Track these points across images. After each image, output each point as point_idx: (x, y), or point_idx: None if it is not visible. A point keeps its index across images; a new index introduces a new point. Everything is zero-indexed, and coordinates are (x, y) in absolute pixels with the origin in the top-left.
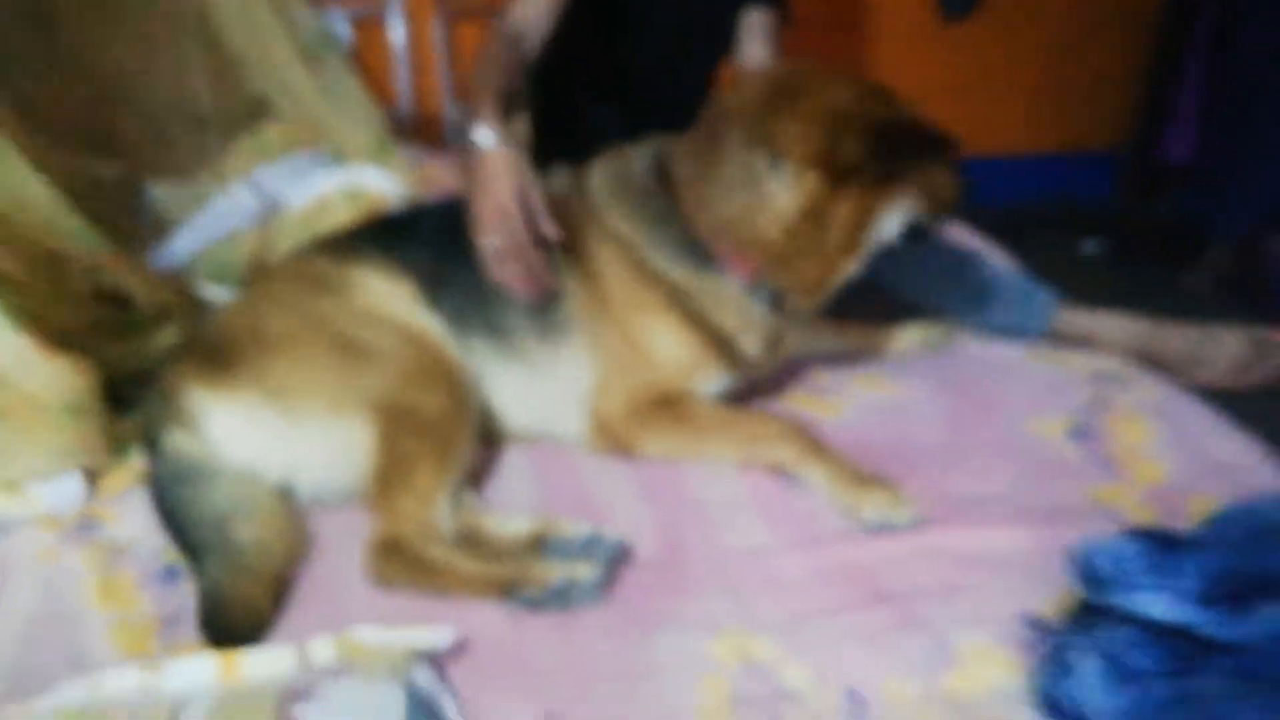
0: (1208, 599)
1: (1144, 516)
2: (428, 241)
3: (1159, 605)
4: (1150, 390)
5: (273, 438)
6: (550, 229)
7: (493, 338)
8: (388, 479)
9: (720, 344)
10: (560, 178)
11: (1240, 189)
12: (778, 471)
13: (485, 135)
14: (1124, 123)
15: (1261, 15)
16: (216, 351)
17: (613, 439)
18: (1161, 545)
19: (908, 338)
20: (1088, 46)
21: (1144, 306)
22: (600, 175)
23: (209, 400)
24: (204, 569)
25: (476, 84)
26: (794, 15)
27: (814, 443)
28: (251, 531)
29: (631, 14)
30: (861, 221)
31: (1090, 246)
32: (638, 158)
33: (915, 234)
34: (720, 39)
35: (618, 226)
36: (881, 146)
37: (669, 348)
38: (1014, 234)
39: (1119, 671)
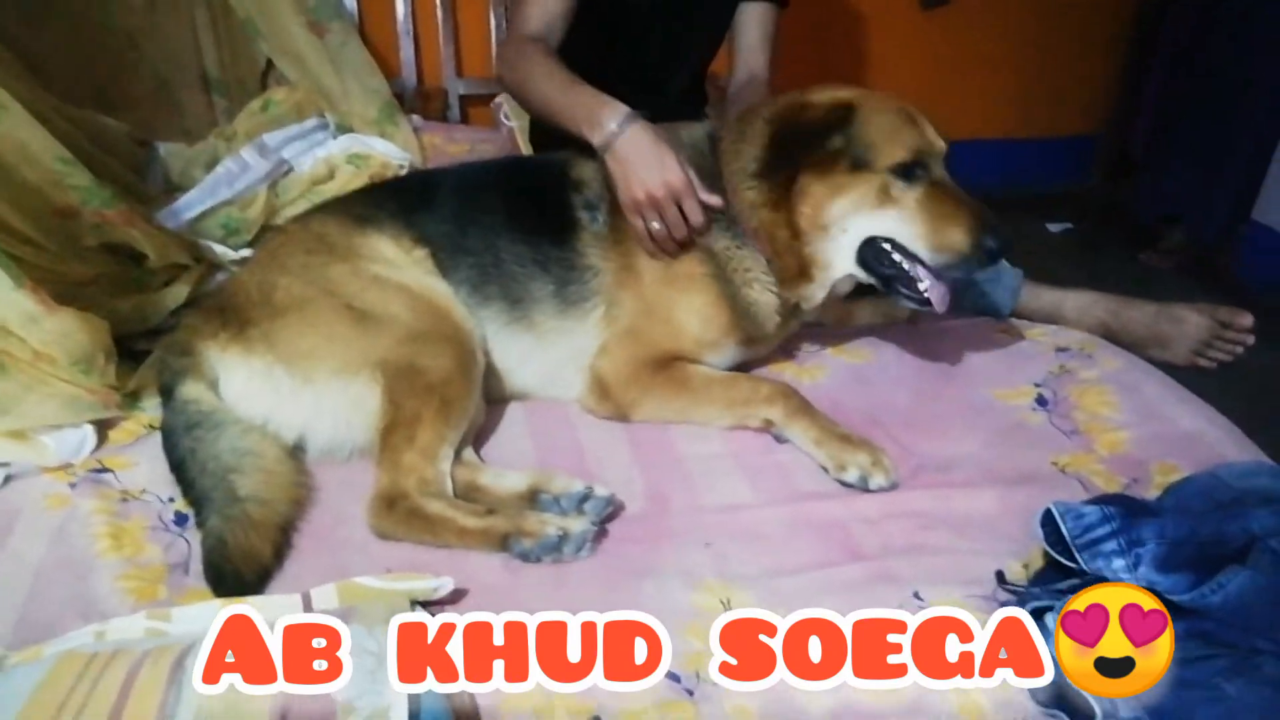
0: (1168, 564)
1: (1108, 483)
2: (443, 211)
3: (1121, 567)
4: (1114, 362)
5: (286, 398)
6: (711, 199)
7: (509, 307)
8: (392, 435)
9: (743, 322)
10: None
11: (1199, 179)
12: (765, 430)
13: (613, 125)
14: (1098, 111)
15: (1221, 27)
16: (232, 313)
17: (610, 401)
18: (1125, 511)
19: (873, 309)
20: (1065, 36)
21: (1106, 284)
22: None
23: (223, 360)
24: (208, 519)
25: (559, 91)
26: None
27: (803, 402)
28: (254, 484)
29: (633, 12)
30: (798, 213)
31: (1058, 228)
32: (689, 134)
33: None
34: (717, 32)
35: None
36: (777, 150)
37: (697, 323)
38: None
39: None
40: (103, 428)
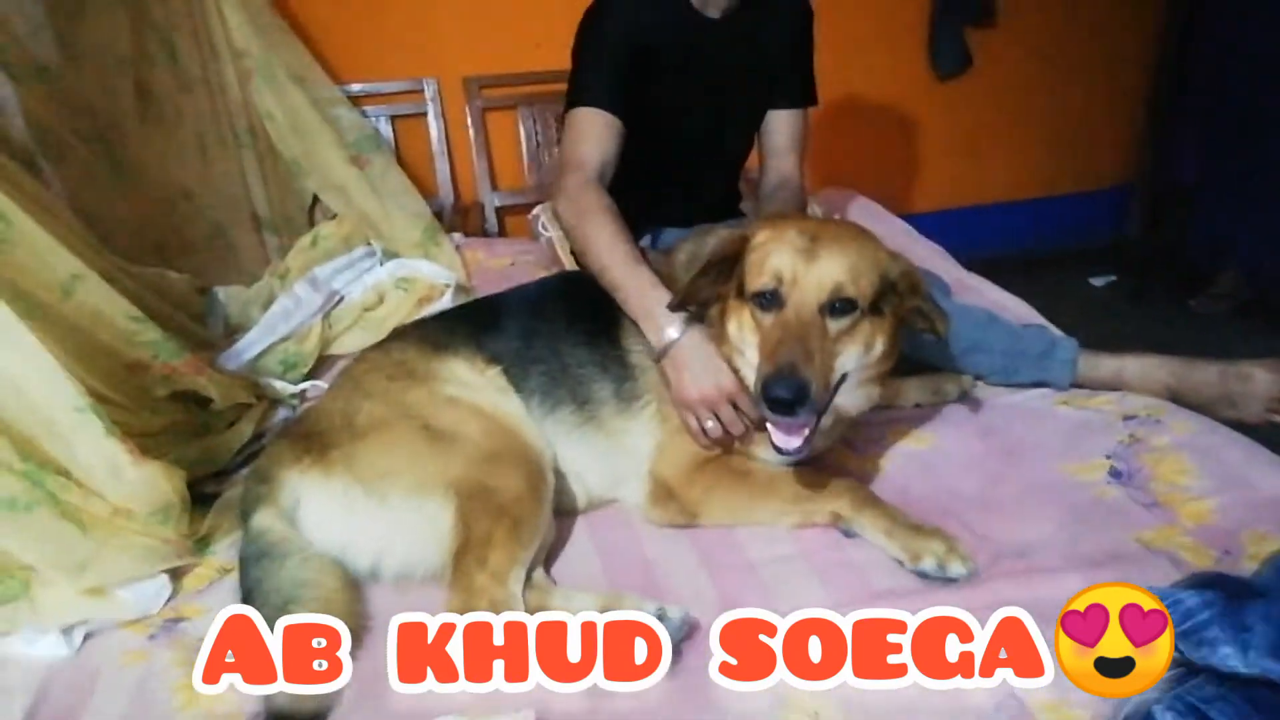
0: None
1: (1199, 558)
2: (509, 328)
3: (1233, 657)
4: (1186, 426)
5: (362, 520)
6: (750, 410)
7: (577, 409)
8: (464, 557)
9: None
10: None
11: (1253, 215)
12: (833, 525)
13: (672, 332)
14: (1125, 159)
15: (1255, 44)
16: (315, 438)
17: (675, 504)
18: (1226, 594)
19: (920, 387)
20: (1086, 88)
21: (1159, 335)
22: (683, 252)
23: (304, 483)
24: None
25: (622, 269)
26: (817, 99)
27: (869, 494)
28: (309, 611)
29: (679, 131)
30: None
31: (1101, 281)
32: (712, 235)
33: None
34: (751, 129)
35: None
36: (692, 280)
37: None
38: (1026, 274)
39: None
40: (176, 575)
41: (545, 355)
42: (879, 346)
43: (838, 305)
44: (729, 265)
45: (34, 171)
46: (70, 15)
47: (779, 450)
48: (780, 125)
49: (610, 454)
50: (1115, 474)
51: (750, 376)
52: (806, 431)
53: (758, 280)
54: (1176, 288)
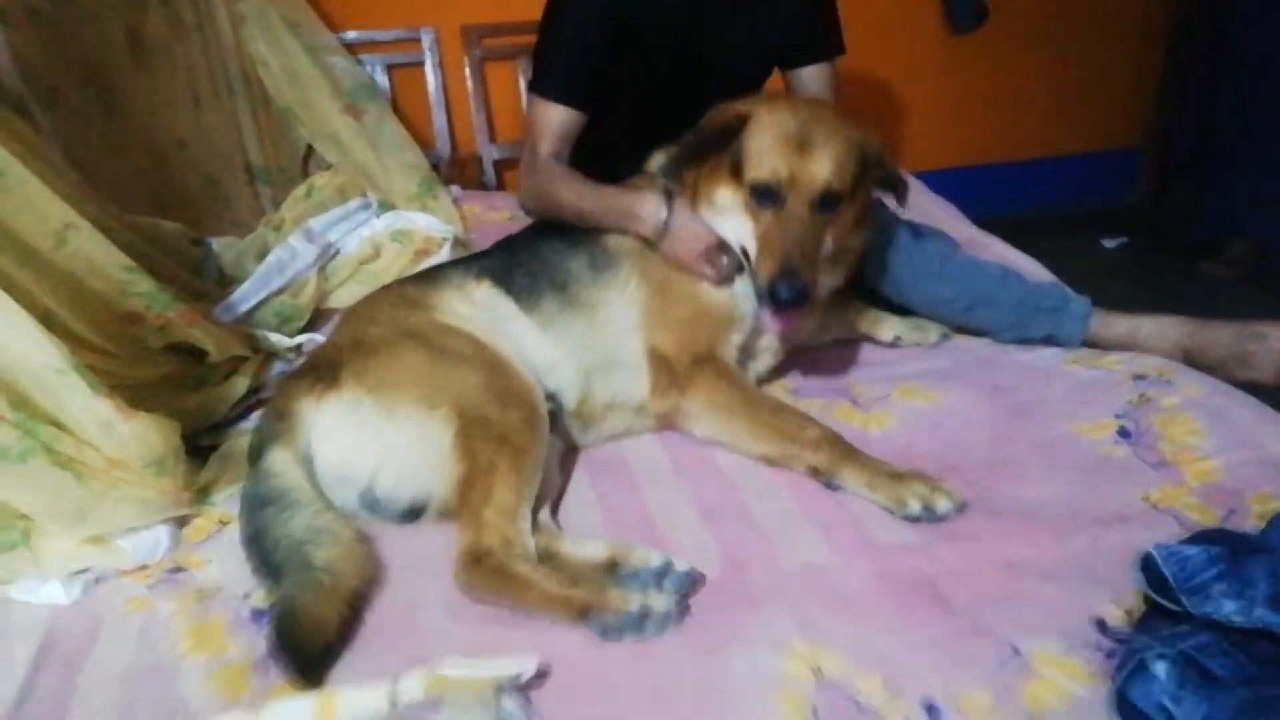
0: None
1: (1204, 517)
2: (498, 250)
3: (1233, 610)
4: (1196, 387)
5: (369, 430)
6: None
7: (557, 293)
8: (470, 490)
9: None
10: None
11: (1262, 185)
12: (813, 477)
13: (661, 212)
14: (1142, 123)
15: (1257, 25)
16: (325, 367)
17: (668, 374)
18: (1231, 550)
19: (907, 324)
20: (1101, 50)
21: (1171, 298)
22: (655, 161)
23: (314, 408)
24: (280, 586)
25: (589, 199)
26: (844, 46)
27: (847, 447)
28: (329, 555)
29: (664, 105)
30: (702, 189)
31: (1113, 243)
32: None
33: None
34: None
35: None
36: (685, 144)
37: (707, 292)
38: (1038, 234)
39: (1199, 676)
40: (176, 526)
41: (526, 258)
42: (850, 222)
43: (827, 199)
44: (724, 139)
45: (25, 116)
46: None
47: (777, 334)
48: (809, 79)
49: (595, 331)
50: (1124, 433)
51: (731, 238)
52: (800, 319)
53: (756, 172)
54: (1188, 251)
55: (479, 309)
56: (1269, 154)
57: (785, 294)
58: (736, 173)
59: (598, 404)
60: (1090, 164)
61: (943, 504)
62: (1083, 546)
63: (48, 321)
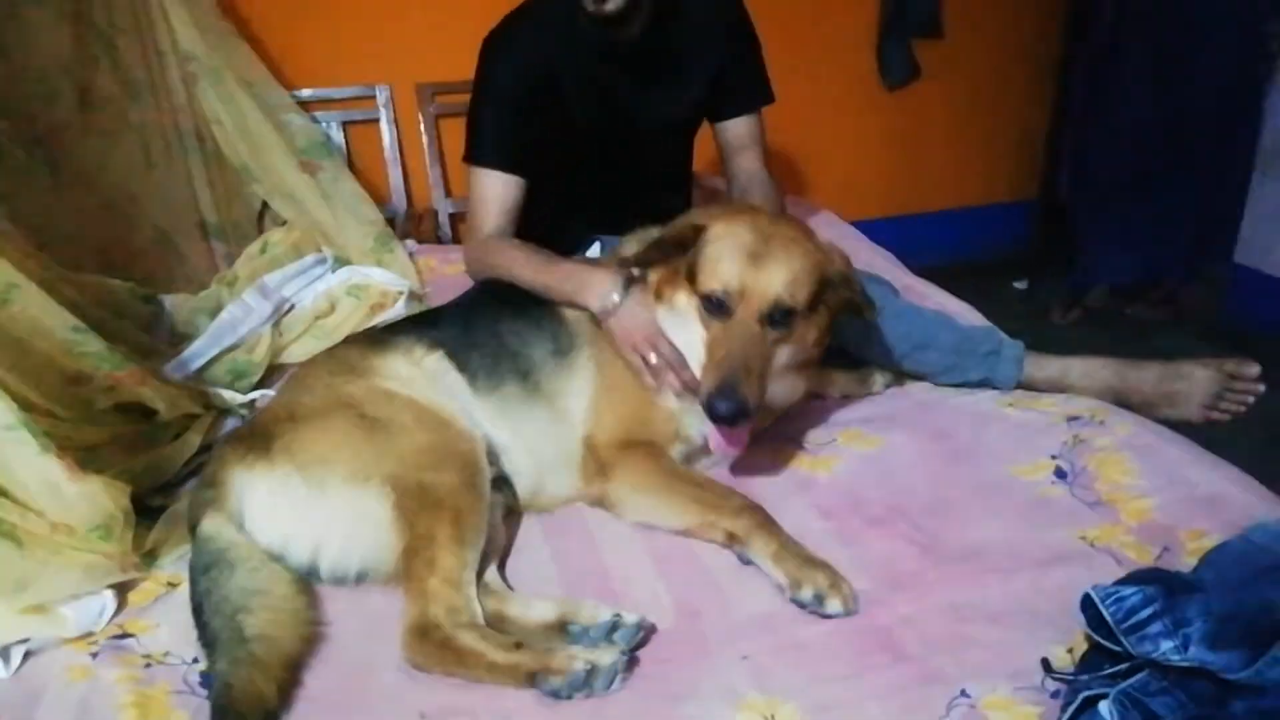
0: (1219, 641)
1: (1140, 555)
2: (453, 321)
3: (1170, 649)
4: (1128, 427)
5: (301, 509)
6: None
7: (520, 381)
8: (412, 560)
9: None
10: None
11: (1115, 231)
12: (727, 546)
13: (615, 296)
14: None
15: (1123, 70)
16: (259, 435)
17: (596, 462)
18: (1166, 589)
19: (854, 379)
20: (1011, 102)
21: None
22: (628, 246)
23: (246, 479)
24: (216, 663)
25: (542, 270)
26: (773, 94)
27: (768, 520)
28: (261, 622)
29: (591, 160)
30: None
31: (1022, 284)
32: (657, 229)
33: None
34: (676, 170)
35: None
36: (644, 251)
37: (657, 400)
38: (954, 279)
39: (1142, 716)
40: (122, 590)
41: (484, 338)
42: (810, 341)
43: (778, 316)
44: (680, 249)
45: None
46: (6, 19)
47: (718, 454)
48: (735, 130)
49: (555, 423)
50: (1060, 474)
51: (685, 346)
52: (745, 437)
53: (708, 282)
54: (1065, 297)
55: (423, 374)
56: (1126, 202)
57: (722, 409)
58: (692, 280)
59: (551, 497)
60: (1009, 213)
61: (834, 604)
62: (1025, 588)
63: None
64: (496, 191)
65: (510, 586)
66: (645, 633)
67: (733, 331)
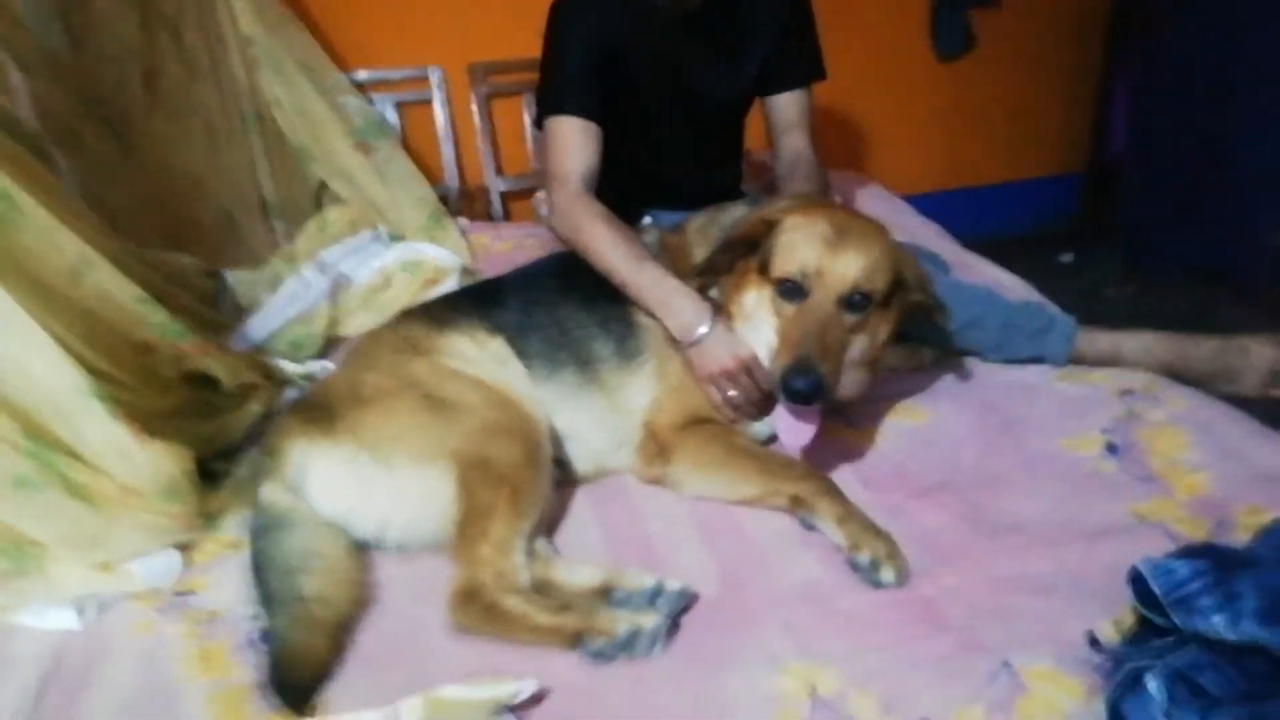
0: (1271, 617)
1: (1193, 530)
2: (510, 301)
3: (1220, 624)
4: (1182, 402)
5: (367, 485)
6: (764, 379)
7: (579, 370)
8: (467, 528)
9: None
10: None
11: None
12: (791, 512)
13: (703, 328)
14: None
15: (1175, 37)
16: (319, 410)
17: (657, 444)
18: (1217, 563)
19: (903, 352)
20: (1059, 77)
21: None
22: (695, 225)
23: (312, 453)
24: (273, 619)
25: (631, 269)
26: (825, 71)
27: (833, 485)
28: (317, 584)
29: (652, 134)
30: (731, 292)
31: (1068, 258)
32: (729, 212)
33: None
34: (730, 133)
35: (695, 260)
36: (710, 257)
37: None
38: (999, 253)
39: (1192, 693)
40: (185, 550)
41: (545, 322)
42: (880, 338)
43: (856, 300)
44: (752, 245)
45: (43, 158)
46: (77, 4)
47: (787, 446)
48: (786, 104)
49: (610, 413)
50: (1111, 448)
51: (759, 345)
52: (816, 423)
53: (785, 266)
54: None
55: (487, 354)
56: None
57: (799, 385)
58: (764, 272)
59: (599, 471)
60: (1064, 184)
61: (888, 573)
62: (1073, 561)
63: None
64: (578, 140)
65: (557, 552)
66: (688, 600)
67: (809, 312)
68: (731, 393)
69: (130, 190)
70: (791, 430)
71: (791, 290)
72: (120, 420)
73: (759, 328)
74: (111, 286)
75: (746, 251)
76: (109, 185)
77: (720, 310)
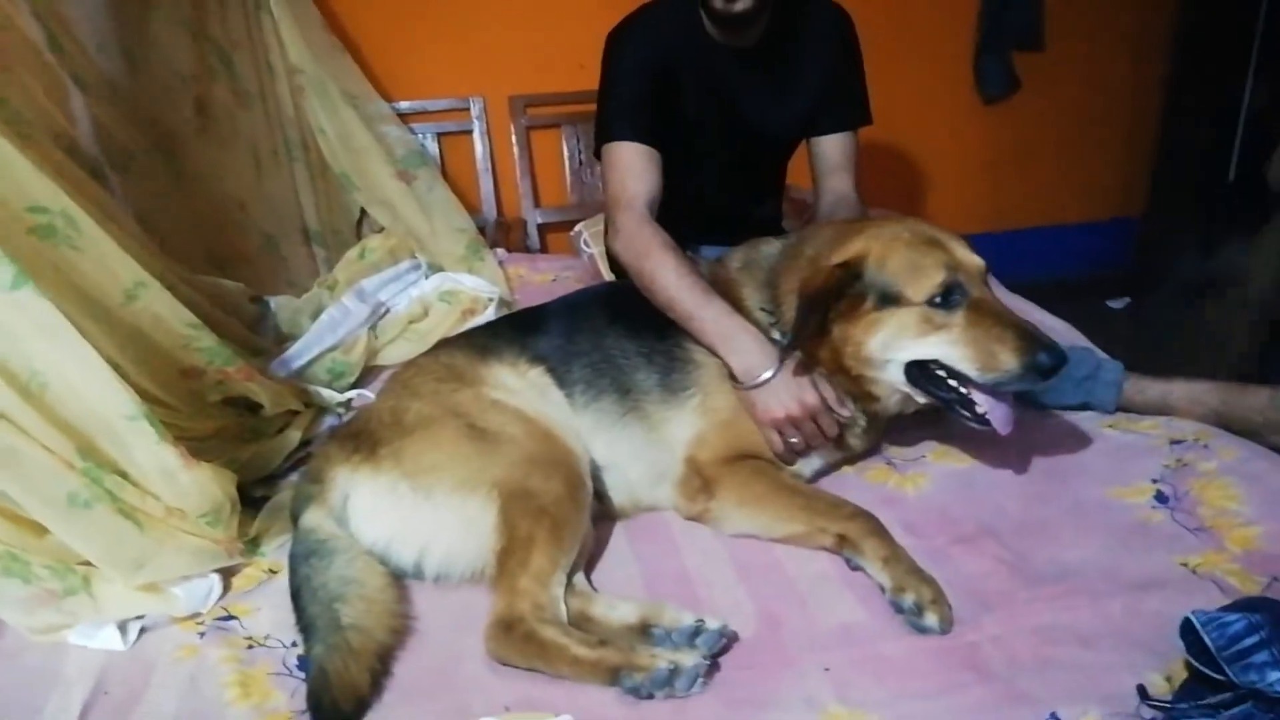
0: None
1: (1245, 584)
2: (552, 329)
3: (1278, 680)
4: (1234, 452)
5: (408, 514)
6: (843, 412)
7: (620, 399)
8: (507, 559)
9: None
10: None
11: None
12: (836, 550)
13: (767, 372)
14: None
15: None
16: (365, 436)
17: (700, 479)
18: (1273, 618)
19: None
20: (1124, 118)
21: (1173, 352)
22: (737, 260)
23: (354, 479)
24: (313, 647)
25: (695, 303)
26: (871, 116)
27: (881, 526)
28: (356, 612)
29: (698, 163)
30: (843, 355)
31: (1120, 303)
32: (768, 247)
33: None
34: (773, 179)
35: (748, 299)
36: (800, 322)
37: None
38: (1046, 297)
39: None
40: (226, 574)
41: (588, 349)
42: None
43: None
44: (836, 295)
45: (100, 180)
46: (136, 31)
47: (997, 429)
48: (830, 147)
49: (651, 445)
50: (1160, 498)
51: (895, 381)
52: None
53: (928, 283)
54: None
55: (529, 386)
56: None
57: (1051, 359)
58: (883, 305)
59: (637, 504)
60: (1112, 228)
61: (931, 618)
62: (1121, 612)
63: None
64: (639, 164)
65: (594, 588)
66: (727, 640)
67: (983, 304)
68: (793, 439)
69: (178, 214)
70: (1005, 418)
71: (950, 297)
72: (168, 443)
73: (913, 352)
74: (163, 310)
75: (833, 303)
76: (159, 208)
77: (789, 359)
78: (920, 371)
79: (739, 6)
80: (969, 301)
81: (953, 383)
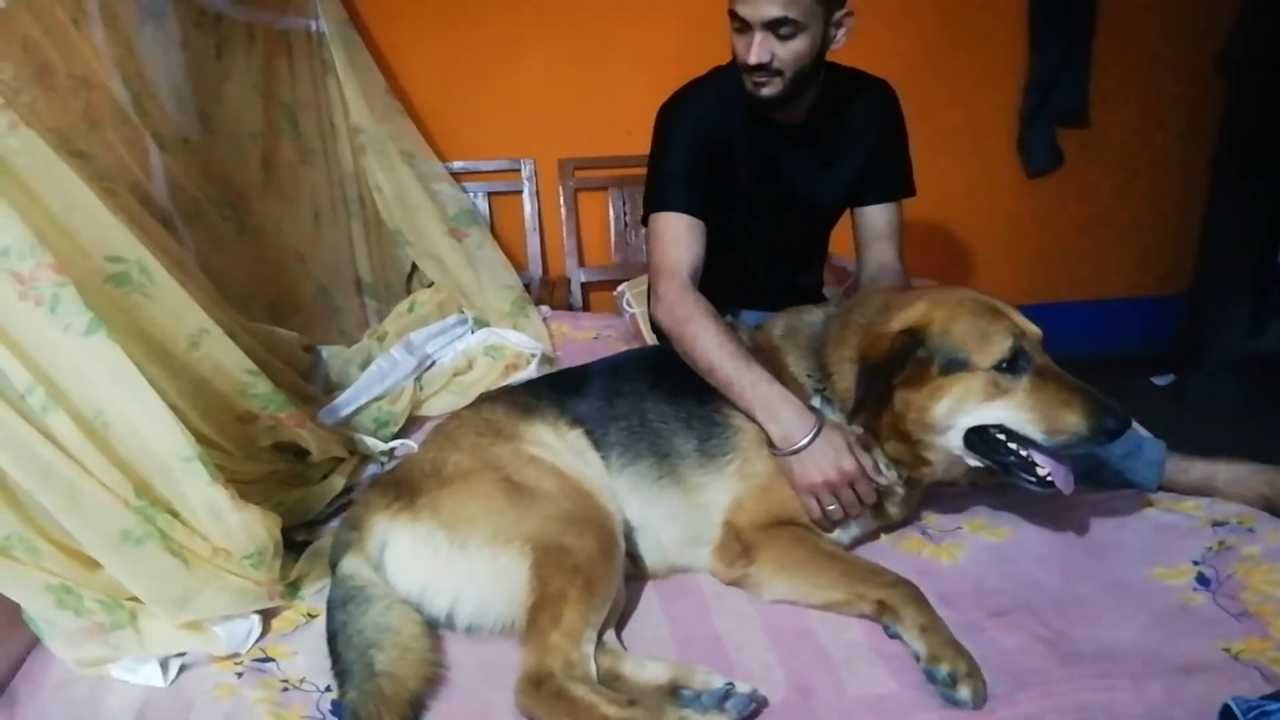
0: None
1: None
2: (593, 392)
3: None
4: (1278, 536)
5: (442, 563)
6: (880, 480)
7: (657, 463)
8: (539, 614)
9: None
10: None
11: None
12: (875, 618)
13: (806, 435)
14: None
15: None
16: (405, 486)
17: (739, 544)
18: None
19: (977, 473)
20: (1154, 197)
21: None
22: (778, 327)
23: (392, 528)
24: (347, 693)
25: (735, 368)
26: (914, 189)
27: (923, 597)
28: (389, 659)
29: (744, 232)
30: (904, 420)
31: (1162, 380)
32: (810, 315)
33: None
34: (817, 248)
35: (792, 367)
36: (863, 391)
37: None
38: (1088, 372)
39: None
40: (266, 616)
41: (627, 412)
42: None
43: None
44: (899, 363)
45: (170, 230)
46: (212, 93)
47: (1060, 489)
48: (874, 218)
49: (687, 509)
50: (1203, 580)
51: (954, 446)
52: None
53: (995, 351)
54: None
55: (567, 445)
56: None
57: (1115, 423)
58: (949, 371)
59: (671, 566)
60: (1158, 304)
61: (964, 691)
62: (1161, 695)
63: None
64: (685, 235)
65: (625, 647)
66: (757, 705)
67: (1047, 370)
68: (831, 506)
69: (241, 264)
70: (1067, 479)
71: (1015, 363)
72: (219, 484)
73: (978, 417)
74: (223, 357)
75: (895, 371)
76: (223, 259)
77: (830, 427)
78: (979, 437)
79: (765, 93)
80: (1034, 367)
81: (1013, 445)
